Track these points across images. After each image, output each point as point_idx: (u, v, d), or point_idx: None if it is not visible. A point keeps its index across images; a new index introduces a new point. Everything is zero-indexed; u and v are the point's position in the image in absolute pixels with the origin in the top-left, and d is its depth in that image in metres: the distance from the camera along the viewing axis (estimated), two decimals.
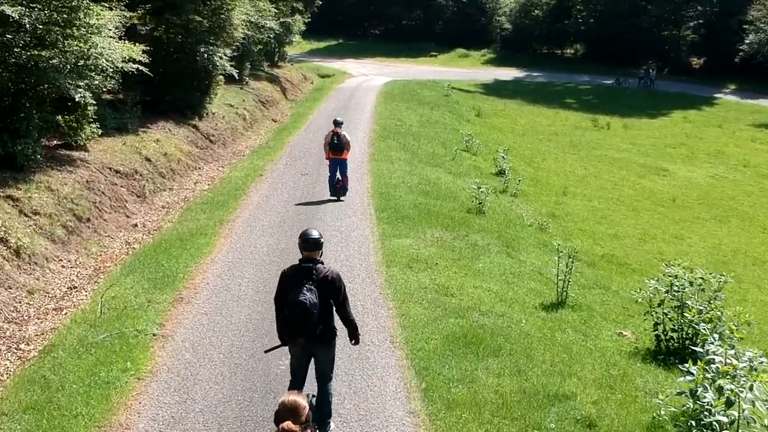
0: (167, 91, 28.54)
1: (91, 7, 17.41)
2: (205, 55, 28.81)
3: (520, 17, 79.47)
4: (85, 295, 13.59)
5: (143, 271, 14.14)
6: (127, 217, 18.99)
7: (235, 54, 33.06)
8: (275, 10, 42.91)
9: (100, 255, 15.93)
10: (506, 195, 25.74)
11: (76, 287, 13.92)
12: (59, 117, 20.05)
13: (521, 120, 46.55)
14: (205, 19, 28.94)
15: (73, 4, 16.56)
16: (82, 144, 20.60)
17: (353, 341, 8.66)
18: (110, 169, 20.24)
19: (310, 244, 8.31)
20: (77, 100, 17.73)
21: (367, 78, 56.74)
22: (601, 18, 73.76)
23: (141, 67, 19.96)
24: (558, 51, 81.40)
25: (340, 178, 20.45)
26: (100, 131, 21.36)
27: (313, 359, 8.51)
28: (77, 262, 15.15)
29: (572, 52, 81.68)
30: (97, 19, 17.69)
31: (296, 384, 8.48)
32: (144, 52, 27.55)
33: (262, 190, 21.52)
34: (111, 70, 18.60)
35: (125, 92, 24.73)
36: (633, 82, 64.46)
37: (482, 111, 46.17)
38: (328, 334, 8.36)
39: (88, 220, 17.03)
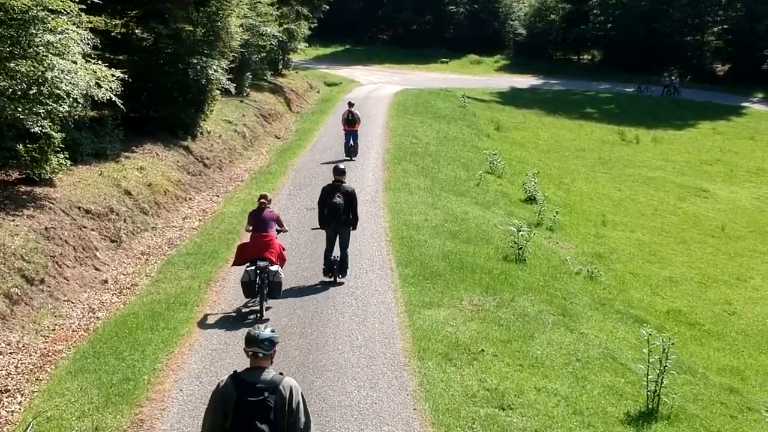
0: (156, 107, 25.45)
1: (48, 21, 14.10)
2: (199, 66, 25.60)
3: (534, 22, 76.12)
4: (19, 405, 10.19)
5: (97, 371, 10.75)
6: (96, 270, 15.68)
7: (233, 65, 29.77)
8: (278, 15, 39.69)
9: (53, 332, 12.61)
10: (542, 229, 22.44)
11: (8, 390, 10.52)
12: (20, 146, 16.78)
13: (543, 133, 43.21)
14: (198, 27, 25.74)
15: (24, 17, 13.21)
16: (47, 178, 17.28)
17: (353, 228, 14.93)
18: (79, 208, 16.95)
19: (339, 172, 15.01)
20: (33, 131, 14.42)
21: (376, 87, 53.44)
22: (620, 23, 70.27)
23: (112, 96, 16.57)
24: (574, 57, 77.97)
25: (352, 144, 27.65)
26: (68, 162, 18.10)
27: (338, 236, 14.73)
28: (19, 345, 11.80)
29: (589, 58, 78.29)
30: (59, 36, 14.36)
31: (329, 250, 14.82)
32: (130, 63, 24.80)
33: None
34: (77, 96, 15.28)
35: (106, 110, 21.37)
36: (655, 90, 60.99)
37: (501, 124, 42.86)
38: (348, 221, 14.70)
39: (42, 281, 13.71)
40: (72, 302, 13.89)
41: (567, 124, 47.41)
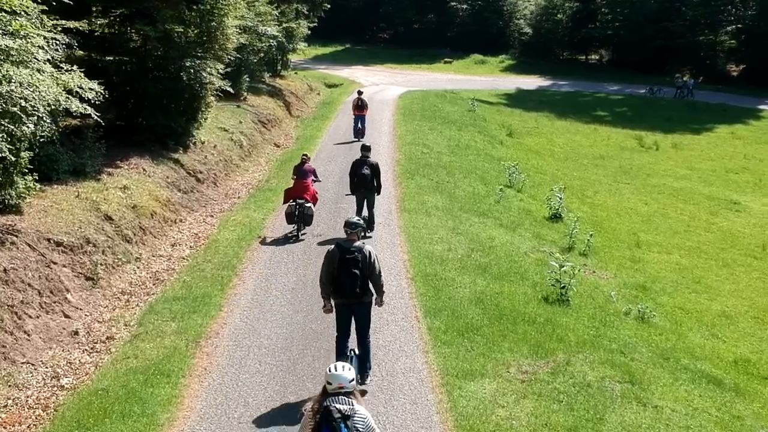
0: (144, 116, 23.03)
1: (5, 23, 11.60)
2: (192, 71, 23.18)
3: (541, 21, 73.55)
4: None
5: None
6: (66, 317, 13.21)
7: (230, 69, 27.27)
8: (277, 14, 37.21)
9: (4, 410, 10.12)
10: (574, 253, 20.04)
11: None
12: None
13: (558, 139, 40.78)
14: (190, 28, 23.29)
15: None
16: (12, 204, 14.80)
17: (377, 193, 18.15)
18: (49, 240, 14.48)
19: (366, 149, 18.37)
20: None
21: (379, 88, 50.98)
22: (629, 22, 67.73)
23: (89, 109, 14.12)
24: (582, 57, 75.53)
25: (360, 127, 31.16)
26: (38, 186, 15.64)
27: (366, 200, 17.87)
28: None
29: (597, 58, 75.84)
30: (18, 42, 11.86)
31: (359, 211, 17.75)
32: (116, 66, 22.38)
33: (259, 268, 15.74)
34: (43, 114, 12.82)
35: (89, 118, 18.91)
36: (668, 91, 58.63)
37: (513, 129, 40.43)
38: (373, 188, 17.81)
39: None
40: (33, 365, 11.41)
41: (581, 128, 44.98)
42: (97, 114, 14.91)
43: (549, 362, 11.37)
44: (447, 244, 17.47)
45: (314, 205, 18.43)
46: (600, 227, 24.16)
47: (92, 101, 14.73)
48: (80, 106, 14.30)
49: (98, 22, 22.25)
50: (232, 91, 26.59)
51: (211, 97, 25.53)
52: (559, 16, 72.30)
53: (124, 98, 22.87)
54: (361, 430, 6.91)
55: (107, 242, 16.00)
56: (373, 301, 10.58)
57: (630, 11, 68.04)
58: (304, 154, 20.18)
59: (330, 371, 7.12)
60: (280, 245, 17.45)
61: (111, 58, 22.91)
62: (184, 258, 17.20)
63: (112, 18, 22.55)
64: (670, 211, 28.53)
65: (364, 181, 17.56)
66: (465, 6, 77.17)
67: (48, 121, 13.51)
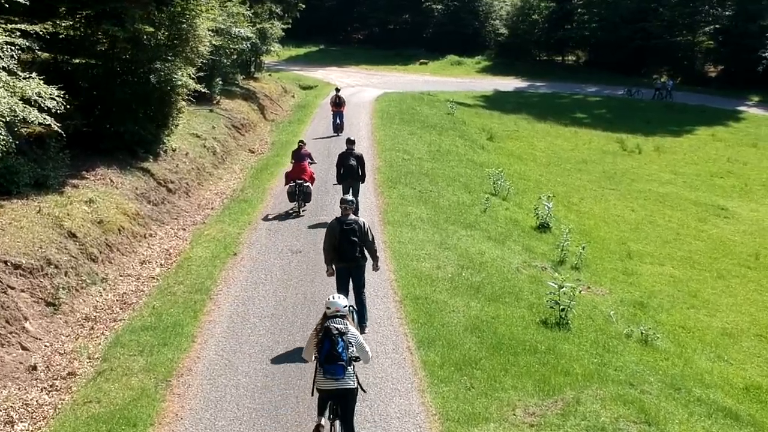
0: (112, 122, 21.76)
1: None
2: (162, 74, 22.01)
3: (517, 22, 72.56)
4: None
5: None
6: (23, 350, 12.02)
7: (202, 74, 26.08)
8: (250, 15, 35.99)
9: None
10: (566, 267, 19.13)
11: None
12: None
13: (539, 143, 39.92)
14: (161, 30, 22.10)
15: None
16: None
17: (362, 182, 19.71)
18: (6, 263, 13.28)
19: (350, 142, 19.85)
20: None
21: (354, 90, 49.87)
22: (606, 22, 67.08)
23: (48, 119, 12.96)
24: (558, 58, 74.79)
25: (339, 122, 32.71)
26: None
27: (351, 189, 18.90)
28: None
29: (574, 59, 75.14)
30: None
31: (345, 191, 18.79)
32: (83, 70, 21.21)
33: (236, 291, 14.58)
34: None
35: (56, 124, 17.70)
36: (646, 93, 58.18)
37: (494, 133, 39.54)
38: (360, 177, 19.39)
39: None
40: None
41: (562, 132, 44.22)
42: (58, 124, 13.78)
43: (557, 401, 10.31)
44: (435, 261, 16.43)
45: (311, 185, 20.83)
46: (589, 237, 23.29)
47: (53, 110, 13.58)
48: (39, 116, 13.16)
49: (63, 24, 21.00)
50: (205, 91, 25.36)
51: (183, 102, 24.36)
52: (534, 16, 71.42)
53: (91, 104, 21.66)
54: (353, 342, 8.76)
55: (70, 262, 14.80)
56: (368, 266, 12.71)
57: (607, 12, 67.42)
58: (300, 141, 22.84)
59: (329, 299, 8.98)
60: (257, 259, 16.32)
61: (78, 61, 21.69)
62: (154, 278, 16.04)
63: (78, 19, 21.28)
64: (658, 218, 27.73)
65: (351, 171, 19.13)
66: (440, 6, 76.27)
67: (3, 132, 12.31)
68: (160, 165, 22.74)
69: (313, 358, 8.84)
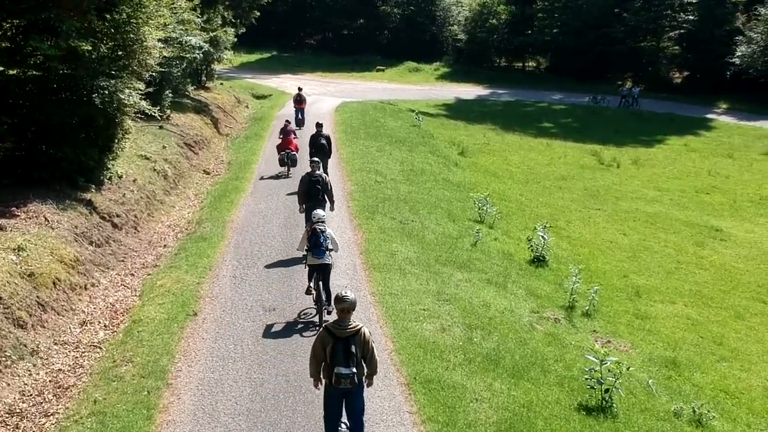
0: (48, 147, 18.76)
1: None
2: (107, 92, 19.04)
3: (475, 27, 70.29)
4: None
5: None
6: None
7: (151, 88, 23.10)
8: (201, 22, 33.00)
9: None
10: (576, 314, 16.66)
11: None
12: None
13: (513, 157, 37.53)
14: (104, 40, 19.14)
15: None
16: None
17: (328, 157, 22.74)
18: None
19: (319, 126, 23.15)
20: None
21: (312, 100, 46.62)
22: (568, 27, 65.15)
23: None
24: (519, 64, 72.79)
25: (300, 117, 35.30)
26: None
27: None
28: None
29: (534, 65, 73.16)
30: None
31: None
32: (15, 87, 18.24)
33: (199, 369, 11.66)
34: None
35: None
36: (612, 100, 56.41)
37: (464, 147, 37.03)
38: (327, 153, 22.49)
39: None
40: None
41: (534, 144, 42.02)
42: None
43: None
44: (437, 320, 13.74)
45: (297, 153, 26.16)
46: (591, 273, 20.79)
47: None
48: None
49: None
50: (154, 113, 22.42)
51: (130, 122, 21.40)
52: (493, 21, 69.25)
53: (23, 126, 18.64)
54: (329, 237, 13.37)
55: None
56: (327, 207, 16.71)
57: (568, 17, 65.54)
58: (286, 121, 28.18)
59: (314, 213, 13.58)
60: (221, 321, 13.47)
61: (13, 72, 18.68)
62: (96, 345, 13.16)
63: (8, 27, 18.21)
64: (653, 243, 25.48)
65: (322, 149, 22.25)
66: (396, 11, 73.75)
67: None
68: (104, 195, 19.76)
69: (305, 248, 13.49)
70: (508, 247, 21.16)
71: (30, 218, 16.43)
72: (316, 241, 13.18)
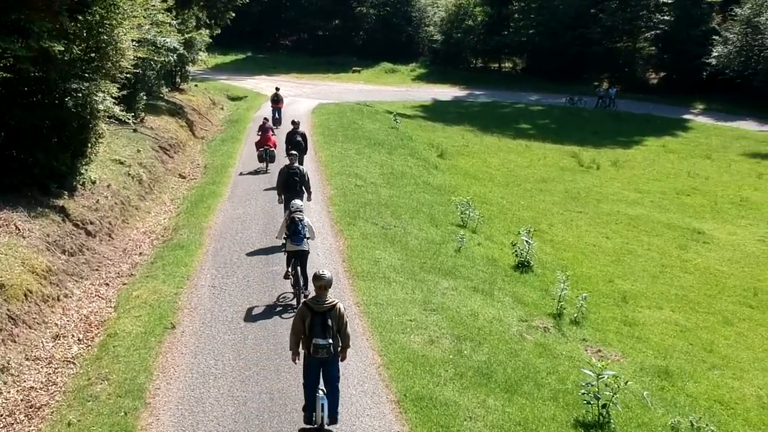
0: (18, 153, 18.10)
1: None
2: (79, 95, 18.52)
3: (451, 28, 69.95)
4: None
5: None
6: None
7: (125, 91, 22.48)
8: (176, 24, 32.36)
9: None
10: (564, 322, 16.29)
11: None
12: None
13: (492, 160, 37.18)
14: (76, 42, 18.54)
15: None
16: None
17: (305, 153, 24.22)
18: None
19: (295, 124, 24.93)
20: None
21: (288, 101, 45.88)
22: (544, 28, 64.93)
23: None
24: (495, 65, 72.58)
25: (278, 117, 35.32)
26: None
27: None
28: None
29: (510, 66, 72.97)
30: None
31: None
32: None
33: (178, 387, 11.10)
34: None
35: None
36: (589, 101, 56.24)
37: (443, 149, 36.64)
38: (303, 150, 23.78)
39: None
40: None
41: (512, 146, 41.71)
42: None
43: None
44: (425, 331, 13.29)
45: (275, 149, 26.98)
46: (573, 275, 20.43)
47: None
48: None
49: None
50: (128, 120, 21.84)
51: (103, 126, 20.80)
52: (469, 22, 68.95)
53: None
54: (306, 225, 14.26)
55: None
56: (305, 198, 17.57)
57: (544, 17, 65.33)
58: (265, 119, 29.39)
59: (293, 203, 14.68)
60: (204, 346, 12.94)
61: None
62: (70, 361, 12.58)
63: None
64: (636, 246, 25.22)
65: (298, 145, 23.28)
66: (372, 12, 73.29)
67: None
68: (78, 202, 19.15)
69: (284, 236, 14.46)
70: (492, 252, 20.79)
71: (0, 227, 15.80)
72: (294, 229, 14.06)
